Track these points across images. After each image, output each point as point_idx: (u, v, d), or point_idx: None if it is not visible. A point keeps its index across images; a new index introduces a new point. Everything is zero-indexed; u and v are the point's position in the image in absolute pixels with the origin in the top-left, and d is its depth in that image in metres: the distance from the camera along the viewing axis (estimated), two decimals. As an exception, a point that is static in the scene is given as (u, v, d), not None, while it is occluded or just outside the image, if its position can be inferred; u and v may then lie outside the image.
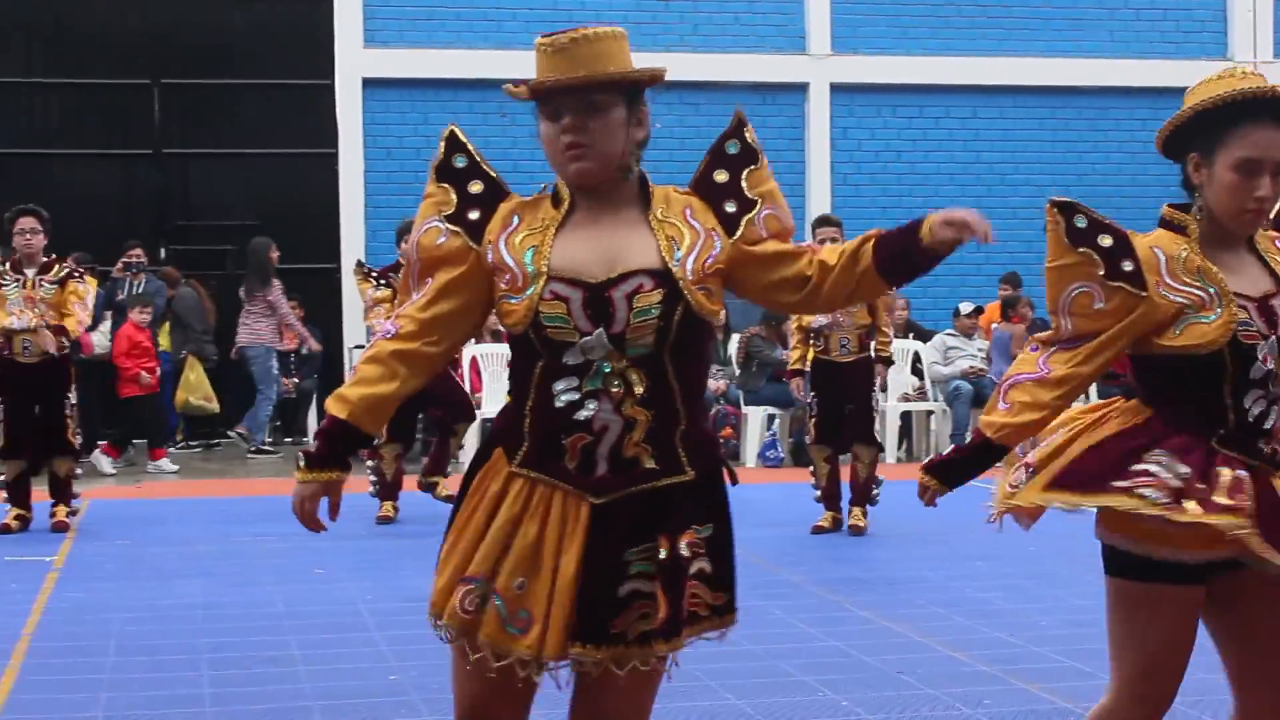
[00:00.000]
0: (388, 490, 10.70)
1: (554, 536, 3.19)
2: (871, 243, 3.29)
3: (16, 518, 10.32)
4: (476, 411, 11.55)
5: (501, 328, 3.30)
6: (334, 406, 3.29)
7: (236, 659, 6.66)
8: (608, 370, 3.17)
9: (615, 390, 3.17)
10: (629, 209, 3.29)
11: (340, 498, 3.36)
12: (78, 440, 10.50)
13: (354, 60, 17.17)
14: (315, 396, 16.16)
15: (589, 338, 3.16)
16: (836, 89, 17.97)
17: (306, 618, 7.53)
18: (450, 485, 10.58)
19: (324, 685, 6.17)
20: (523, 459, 3.22)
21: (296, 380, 16.01)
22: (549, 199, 3.32)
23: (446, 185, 3.31)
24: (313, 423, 16.42)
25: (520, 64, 15.52)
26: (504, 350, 13.94)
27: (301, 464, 3.31)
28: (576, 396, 3.17)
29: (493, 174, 3.33)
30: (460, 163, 3.32)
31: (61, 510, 10.46)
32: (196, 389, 15.27)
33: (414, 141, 17.25)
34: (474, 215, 3.28)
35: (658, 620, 3.21)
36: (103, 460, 14.18)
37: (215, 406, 14.95)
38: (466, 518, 3.26)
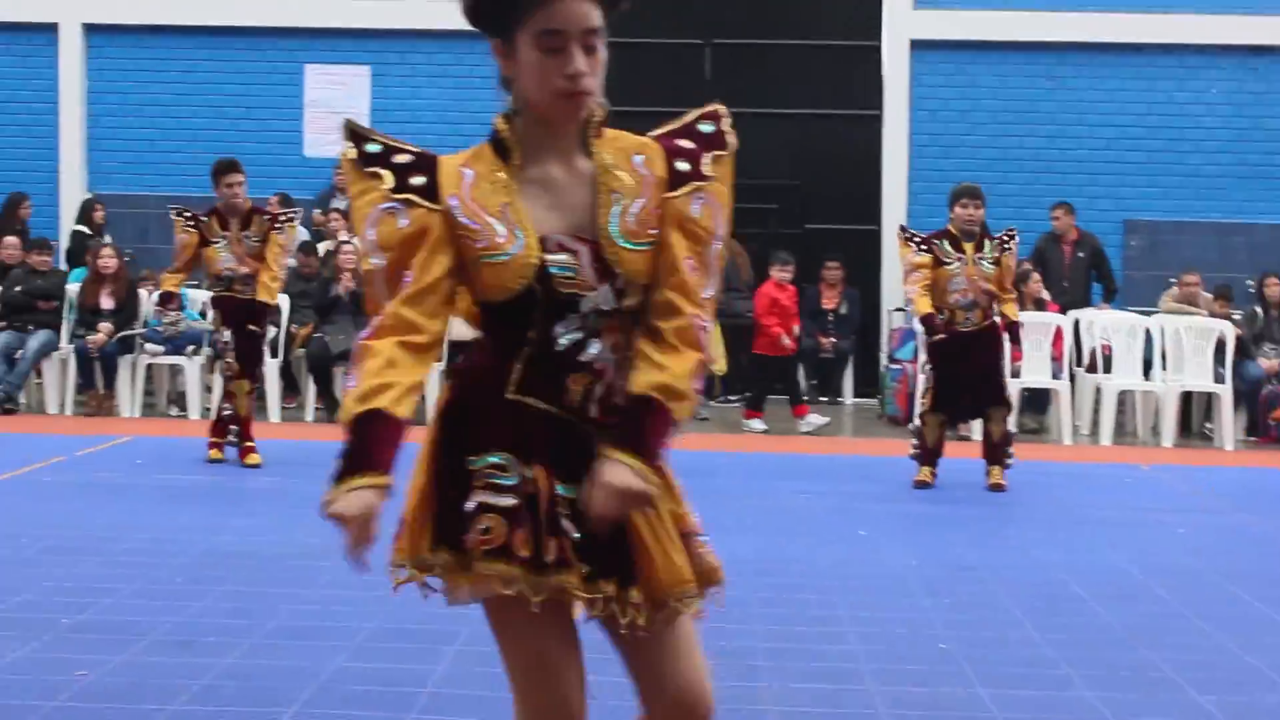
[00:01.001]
0: (928, 455, 10.69)
1: None
2: None
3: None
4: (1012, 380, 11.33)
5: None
6: None
7: (786, 615, 6.81)
8: None
9: None
10: None
11: None
12: None
13: (903, 21, 17.17)
14: (851, 357, 16.31)
15: None
16: None
17: (853, 579, 7.64)
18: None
19: (873, 649, 6.25)
20: None
21: (834, 340, 16.14)
22: None
23: None
24: (849, 383, 16.56)
25: (1072, 26, 15.03)
26: (1047, 320, 13.85)
27: None
28: None
29: None
30: None
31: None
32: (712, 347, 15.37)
33: (960, 105, 17.15)
34: None
35: None
36: (752, 423, 14.36)
37: (718, 367, 15.07)
38: None
